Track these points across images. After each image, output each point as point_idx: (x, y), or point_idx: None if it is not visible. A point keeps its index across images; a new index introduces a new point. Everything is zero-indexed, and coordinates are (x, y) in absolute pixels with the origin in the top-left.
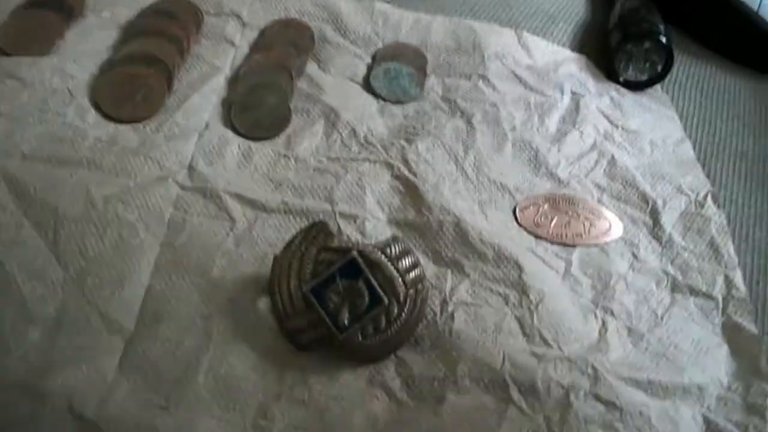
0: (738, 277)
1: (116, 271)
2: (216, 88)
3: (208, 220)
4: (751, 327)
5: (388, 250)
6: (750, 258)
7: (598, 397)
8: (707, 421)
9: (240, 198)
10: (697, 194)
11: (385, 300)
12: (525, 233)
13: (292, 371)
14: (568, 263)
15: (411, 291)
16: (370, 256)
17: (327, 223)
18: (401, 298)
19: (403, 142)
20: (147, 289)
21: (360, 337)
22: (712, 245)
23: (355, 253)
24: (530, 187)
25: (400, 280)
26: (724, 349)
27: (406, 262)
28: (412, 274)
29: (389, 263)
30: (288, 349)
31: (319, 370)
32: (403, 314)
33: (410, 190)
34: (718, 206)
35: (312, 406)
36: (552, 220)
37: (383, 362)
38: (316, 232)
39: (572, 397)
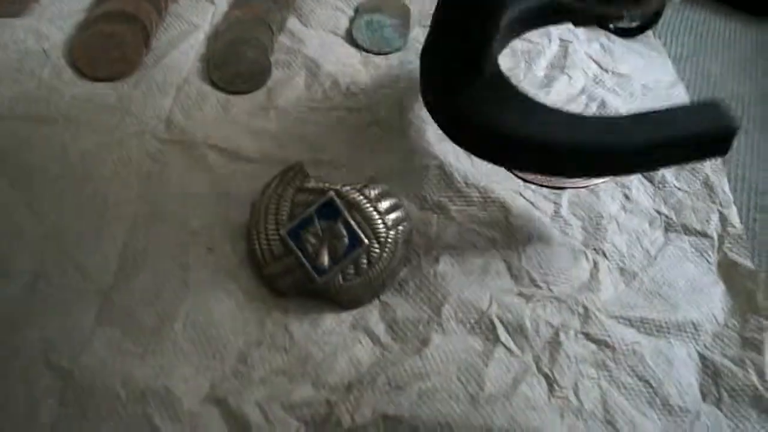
0: (734, 214)
1: (93, 225)
2: (195, 44)
3: (186, 172)
4: (748, 263)
5: (367, 191)
6: (746, 196)
7: (588, 336)
8: (703, 358)
9: (219, 149)
10: None
11: (365, 241)
12: (512, 177)
13: (272, 318)
14: (557, 205)
15: (392, 232)
16: (348, 197)
17: (303, 164)
18: (382, 239)
19: (386, 91)
20: (125, 242)
21: (341, 280)
22: (707, 184)
23: (332, 193)
24: None
25: (380, 220)
26: (720, 287)
27: (386, 203)
28: (393, 215)
29: (368, 204)
30: (268, 295)
31: (301, 316)
32: (385, 256)
33: (393, 135)
34: None
35: (293, 351)
36: None
37: (367, 307)
38: (293, 173)
39: (562, 336)
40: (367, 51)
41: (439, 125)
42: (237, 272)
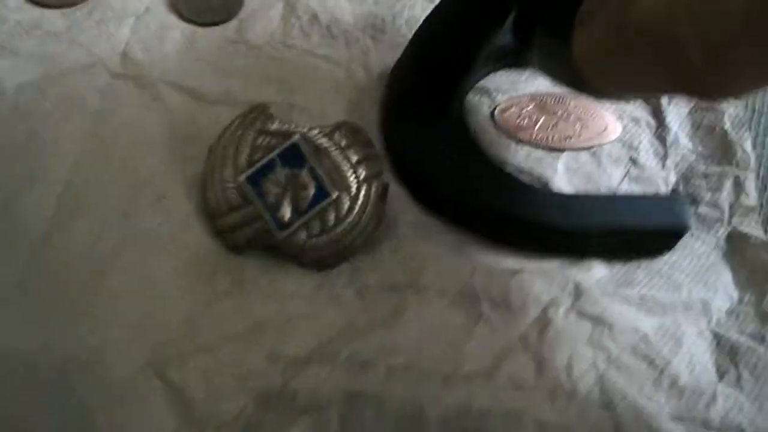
0: (749, 180)
1: (29, 166)
2: None
3: (139, 111)
4: (760, 234)
5: (336, 136)
6: None
7: (582, 313)
8: (717, 336)
9: (178, 87)
10: None
11: (333, 193)
12: (504, 138)
13: (225, 276)
14: (553, 170)
15: (365, 186)
16: (315, 141)
17: (268, 105)
18: (353, 193)
19: (368, 42)
20: (64, 186)
21: (305, 236)
22: (724, 142)
23: (297, 137)
24: (514, 87)
25: (350, 171)
26: (730, 261)
27: (359, 152)
28: (366, 167)
29: (337, 151)
30: (222, 251)
31: (258, 276)
32: (356, 211)
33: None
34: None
35: (246, 316)
36: (537, 122)
37: (334, 270)
38: (256, 114)
39: (551, 312)
40: None
41: (388, 151)
42: (189, 224)
